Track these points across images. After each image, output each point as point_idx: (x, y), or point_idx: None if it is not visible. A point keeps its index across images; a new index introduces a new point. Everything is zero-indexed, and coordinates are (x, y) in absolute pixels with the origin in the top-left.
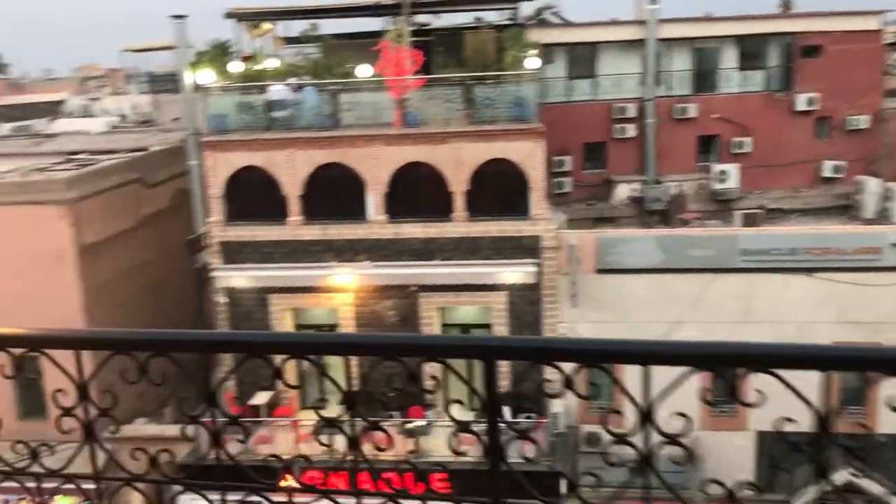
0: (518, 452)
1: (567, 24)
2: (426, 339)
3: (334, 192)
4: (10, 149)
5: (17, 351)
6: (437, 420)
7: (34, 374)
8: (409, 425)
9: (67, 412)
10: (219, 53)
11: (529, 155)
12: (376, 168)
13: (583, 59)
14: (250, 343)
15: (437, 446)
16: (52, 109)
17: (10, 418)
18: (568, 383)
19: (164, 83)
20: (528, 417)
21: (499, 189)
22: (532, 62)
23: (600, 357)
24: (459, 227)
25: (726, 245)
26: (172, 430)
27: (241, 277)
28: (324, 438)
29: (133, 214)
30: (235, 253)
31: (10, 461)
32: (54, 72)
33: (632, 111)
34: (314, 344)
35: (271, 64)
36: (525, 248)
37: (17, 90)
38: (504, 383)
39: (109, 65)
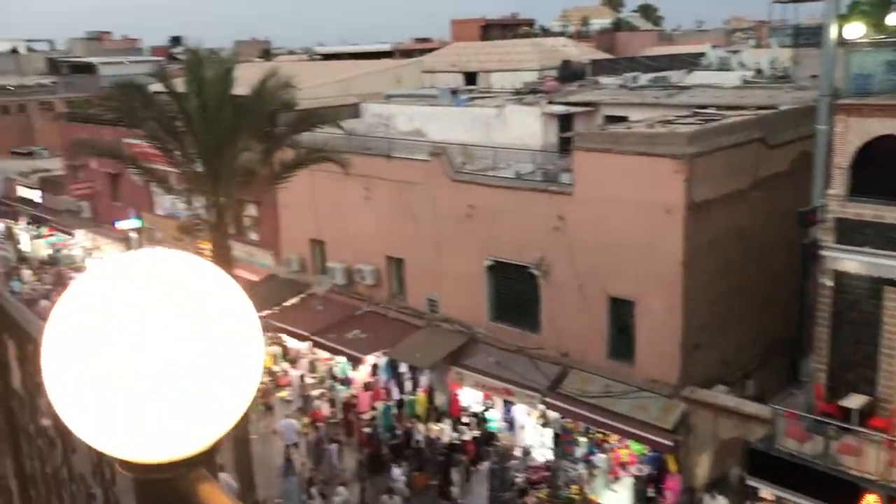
0: None
1: None
2: None
3: None
4: (645, 99)
5: None
6: None
7: None
8: None
9: None
10: (878, 2)
11: None
12: None
13: None
14: None
15: None
16: (693, 61)
17: None
18: None
19: (809, 36)
20: None
21: None
22: None
23: None
24: None
25: None
26: (750, 406)
27: (854, 261)
28: None
29: (748, 175)
30: (852, 233)
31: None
32: (705, 24)
33: None
34: None
35: None
36: None
37: (665, 42)
38: None
39: (758, 17)
